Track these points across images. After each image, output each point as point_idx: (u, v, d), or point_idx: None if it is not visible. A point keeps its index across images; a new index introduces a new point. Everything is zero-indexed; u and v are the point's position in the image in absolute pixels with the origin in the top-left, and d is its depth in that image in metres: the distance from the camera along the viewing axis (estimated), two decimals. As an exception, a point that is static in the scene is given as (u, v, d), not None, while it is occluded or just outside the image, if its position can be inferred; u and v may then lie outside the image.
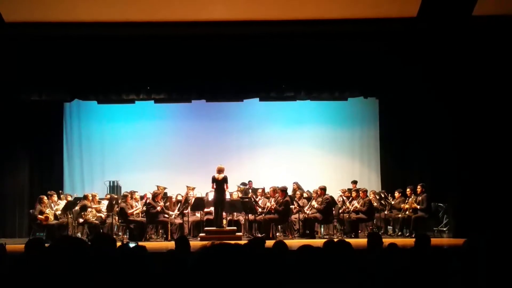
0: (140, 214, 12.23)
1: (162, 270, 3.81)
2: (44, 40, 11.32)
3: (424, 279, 3.74)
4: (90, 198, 12.29)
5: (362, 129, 15.21)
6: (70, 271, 2.22)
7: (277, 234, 12.23)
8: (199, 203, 12.22)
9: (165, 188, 12.75)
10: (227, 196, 12.12)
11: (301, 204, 12.44)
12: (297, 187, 13.58)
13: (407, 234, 12.01)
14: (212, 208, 12.20)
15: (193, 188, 12.92)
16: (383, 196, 13.01)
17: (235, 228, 11.87)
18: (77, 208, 12.20)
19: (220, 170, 11.68)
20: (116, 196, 12.92)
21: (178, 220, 12.16)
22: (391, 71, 11.55)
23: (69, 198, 12.70)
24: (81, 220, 12.03)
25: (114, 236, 12.22)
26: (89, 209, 12.10)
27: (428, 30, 10.94)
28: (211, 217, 12.21)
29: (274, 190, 12.38)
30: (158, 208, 11.86)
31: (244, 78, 11.87)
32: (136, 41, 11.41)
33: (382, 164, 14.81)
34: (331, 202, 12.25)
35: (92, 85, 11.94)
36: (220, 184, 11.64)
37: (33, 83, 11.75)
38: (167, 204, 12.40)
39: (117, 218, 12.33)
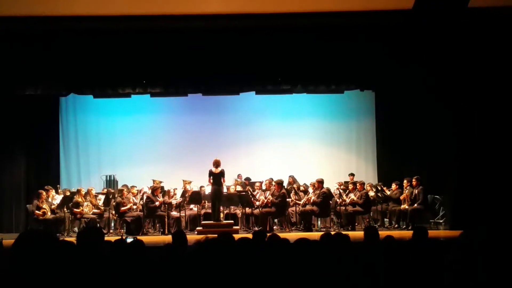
0: (138, 208, 12.21)
1: (159, 263, 3.81)
2: (39, 34, 11.27)
3: (421, 271, 3.76)
4: (83, 193, 12.25)
5: (358, 122, 15.22)
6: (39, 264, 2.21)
7: (274, 227, 12.25)
8: (196, 197, 12.22)
9: (161, 182, 12.74)
10: (224, 190, 12.10)
11: (297, 198, 12.47)
12: (293, 180, 13.61)
13: (404, 226, 12.06)
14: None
15: (190, 182, 12.92)
16: (379, 188, 13.03)
17: (232, 221, 11.88)
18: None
19: (217, 163, 11.59)
20: (113, 191, 12.92)
21: (175, 214, 12.16)
22: (387, 64, 11.55)
23: (67, 194, 12.68)
24: (78, 214, 12.01)
25: (111, 231, 12.26)
26: (86, 203, 12.10)
27: (424, 22, 10.93)
28: (208, 210, 12.22)
29: (270, 183, 12.38)
30: (157, 203, 11.85)
31: (240, 72, 11.83)
32: (132, 34, 11.36)
33: (379, 157, 14.84)
34: (328, 195, 12.26)
35: (88, 79, 11.89)
36: (217, 177, 11.58)
37: (29, 77, 11.70)
38: (165, 197, 12.40)
39: (114, 212, 12.33)
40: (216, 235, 3.30)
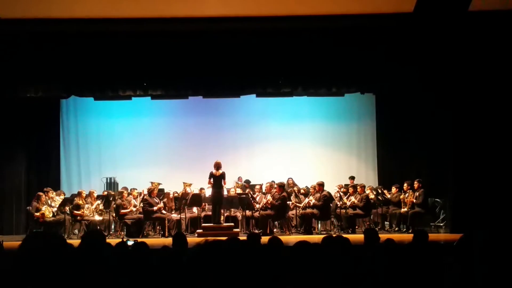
0: (138, 211, 12.19)
1: (159, 266, 3.82)
2: (40, 37, 11.29)
3: (421, 274, 3.76)
4: (83, 195, 12.25)
5: (359, 125, 15.23)
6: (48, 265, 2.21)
7: (274, 230, 12.24)
8: (197, 199, 12.21)
9: (159, 184, 12.71)
10: (225, 192, 12.08)
11: (297, 201, 12.46)
12: (292, 182, 13.61)
13: (404, 229, 12.05)
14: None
15: (190, 185, 12.91)
16: (380, 191, 13.02)
17: (232, 224, 11.86)
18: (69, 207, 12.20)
19: (218, 166, 11.50)
20: (113, 193, 12.92)
21: (176, 217, 12.16)
22: (387, 67, 11.55)
23: (62, 196, 12.65)
24: (79, 216, 12.01)
25: (112, 233, 12.25)
26: (86, 206, 12.10)
27: (424, 25, 10.95)
28: (208, 213, 12.21)
29: (271, 186, 12.35)
30: (155, 208, 11.82)
31: (241, 74, 11.85)
32: (133, 37, 11.38)
33: (379, 160, 14.84)
34: (329, 198, 12.25)
35: (89, 81, 11.91)
36: (218, 179, 11.53)
37: (30, 80, 11.71)
38: (165, 200, 12.38)
39: (114, 214, 12.32)
40: (214, 238, 3.30)
